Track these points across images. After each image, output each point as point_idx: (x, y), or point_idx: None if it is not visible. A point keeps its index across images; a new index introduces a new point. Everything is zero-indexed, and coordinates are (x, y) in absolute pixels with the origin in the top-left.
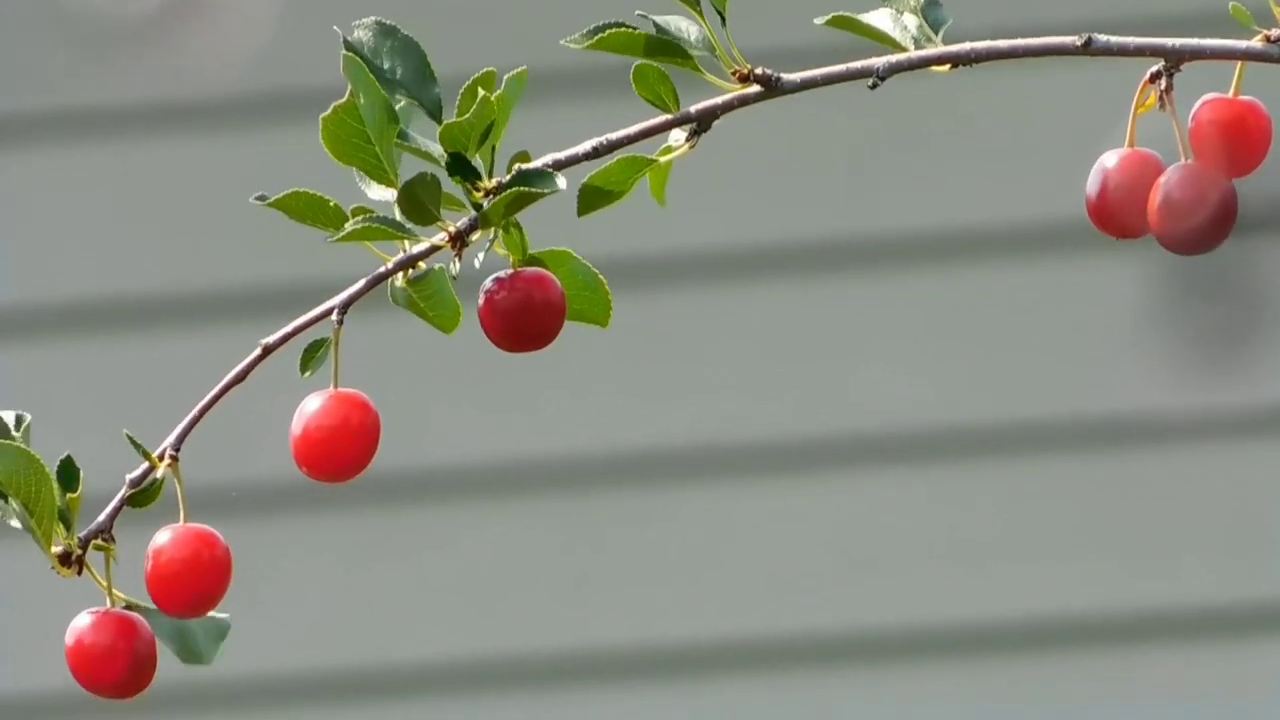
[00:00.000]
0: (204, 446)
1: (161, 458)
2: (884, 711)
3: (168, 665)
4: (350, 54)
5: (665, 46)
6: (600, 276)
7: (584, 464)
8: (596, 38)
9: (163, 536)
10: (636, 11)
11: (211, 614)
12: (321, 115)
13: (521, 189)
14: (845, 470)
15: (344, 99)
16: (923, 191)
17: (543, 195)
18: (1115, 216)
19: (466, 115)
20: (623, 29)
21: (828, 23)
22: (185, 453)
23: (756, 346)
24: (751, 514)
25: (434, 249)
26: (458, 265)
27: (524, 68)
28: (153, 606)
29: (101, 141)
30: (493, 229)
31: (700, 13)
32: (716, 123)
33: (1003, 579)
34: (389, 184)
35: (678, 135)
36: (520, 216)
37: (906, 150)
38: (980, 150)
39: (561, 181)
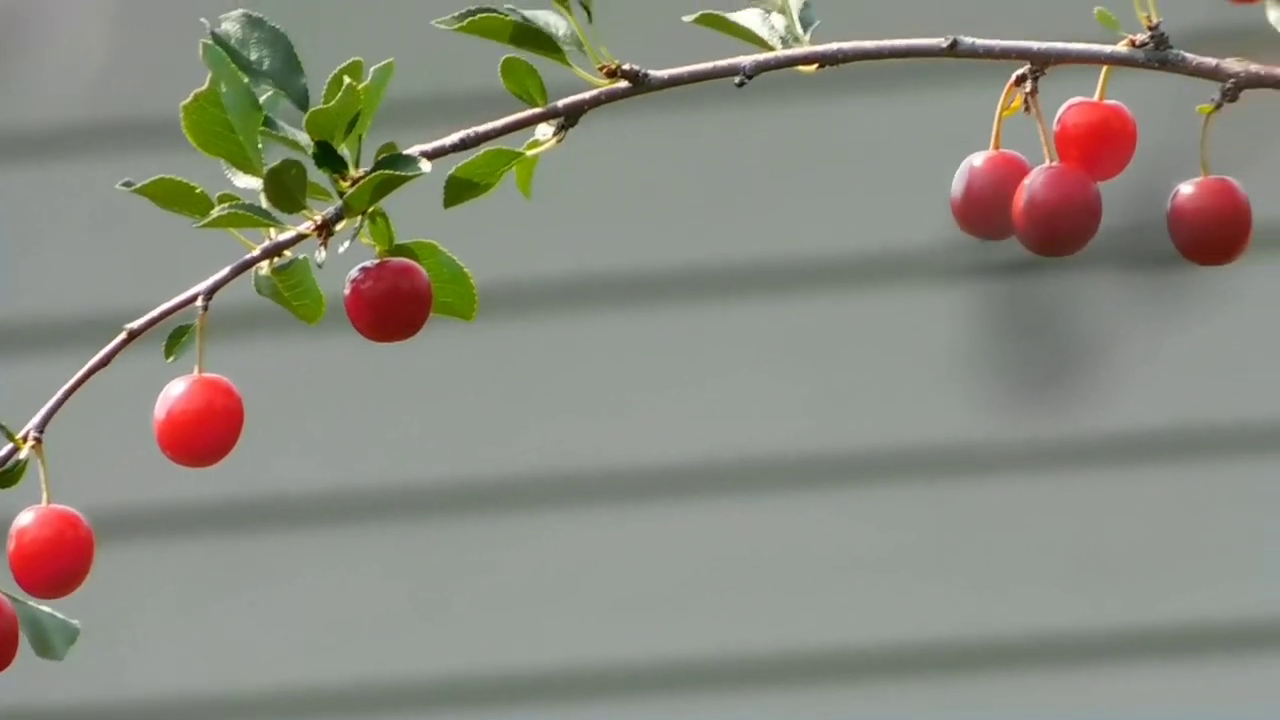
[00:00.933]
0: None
1: (25, 439)
2: None
3: None
4: (209, 43)
5: (533, 35)
6: (466, 270)
7: (435, 491)
8: (467, 21)
9: (25, 517)
10: (506, 5)
11: (64, 619)
12: (182, 103)
13: (386, 173)
14: (696, 496)
15: (204, 86)
16: (765, 219)
17: (407, 179)
18: (980, 217)
19: (332, 103)
20: (492, 14)
21: (696, 20)
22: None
23: (613, 372)
24: (605, 540)
25: (300, 237)
26: (323, 254)
27: (391, 59)
28: (13, 594)
29: None
30: (359, 218)
31: (569, 8)
32: (578, 146)
33: (849, 603)
34: (254, 172)
35: (545, 130)
36: (391, 216)
37: (756, 179)
38: (835, 177)
39: (425, 165)
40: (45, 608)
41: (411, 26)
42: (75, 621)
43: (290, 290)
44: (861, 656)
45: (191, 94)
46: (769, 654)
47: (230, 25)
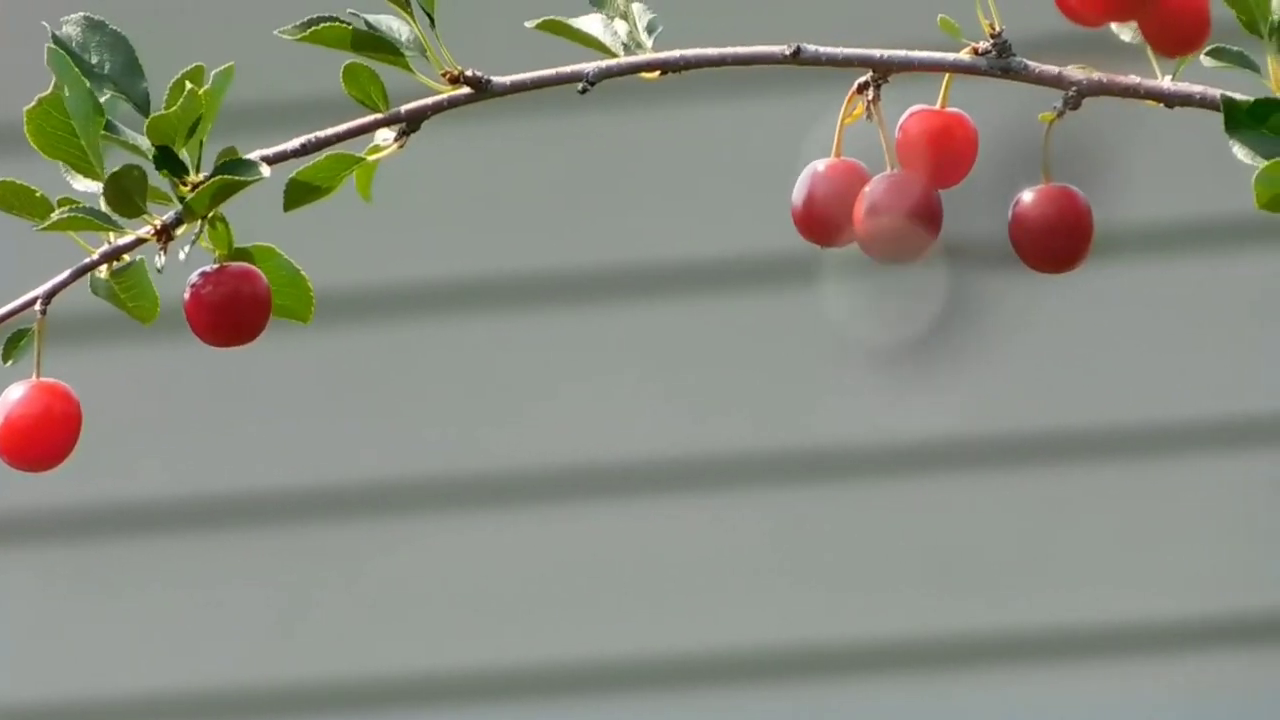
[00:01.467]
0: None
1: None
2: None
3: None
4: (54, 47)
5: (375, 42)
6: (303, 273)
7: (292, 499)
8: (309, 30)
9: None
10: (348, 10)
11: None
12: (25, 108)
13: (226, 178)
14: (571, 500)
15: (48, 91)
16: (634, 222)
17: (247, 183)
18: (820, 224)
19: (173, 108)
20: (335, 23)
21: (538, 26)
22: None
23: (483, 377)
24: (466, 545)
25: (139, 241)
26: (163, 259)
27: (231, 63)
28: None
29: None
30: (199, 223)
31: (411, 14)
32: (433, 148)
33: (714, 606)
34: (95, 177)
35: (386, 134)
36: (233, 221)
37: (611, 183)
38: (685, 181)
39: (265, 169)
40: None
41: (254, 30)
42: None
43: (126, 292)
44: (724, 660)
45: (35, 98)
46: (638, 657)
47: (71, 28)
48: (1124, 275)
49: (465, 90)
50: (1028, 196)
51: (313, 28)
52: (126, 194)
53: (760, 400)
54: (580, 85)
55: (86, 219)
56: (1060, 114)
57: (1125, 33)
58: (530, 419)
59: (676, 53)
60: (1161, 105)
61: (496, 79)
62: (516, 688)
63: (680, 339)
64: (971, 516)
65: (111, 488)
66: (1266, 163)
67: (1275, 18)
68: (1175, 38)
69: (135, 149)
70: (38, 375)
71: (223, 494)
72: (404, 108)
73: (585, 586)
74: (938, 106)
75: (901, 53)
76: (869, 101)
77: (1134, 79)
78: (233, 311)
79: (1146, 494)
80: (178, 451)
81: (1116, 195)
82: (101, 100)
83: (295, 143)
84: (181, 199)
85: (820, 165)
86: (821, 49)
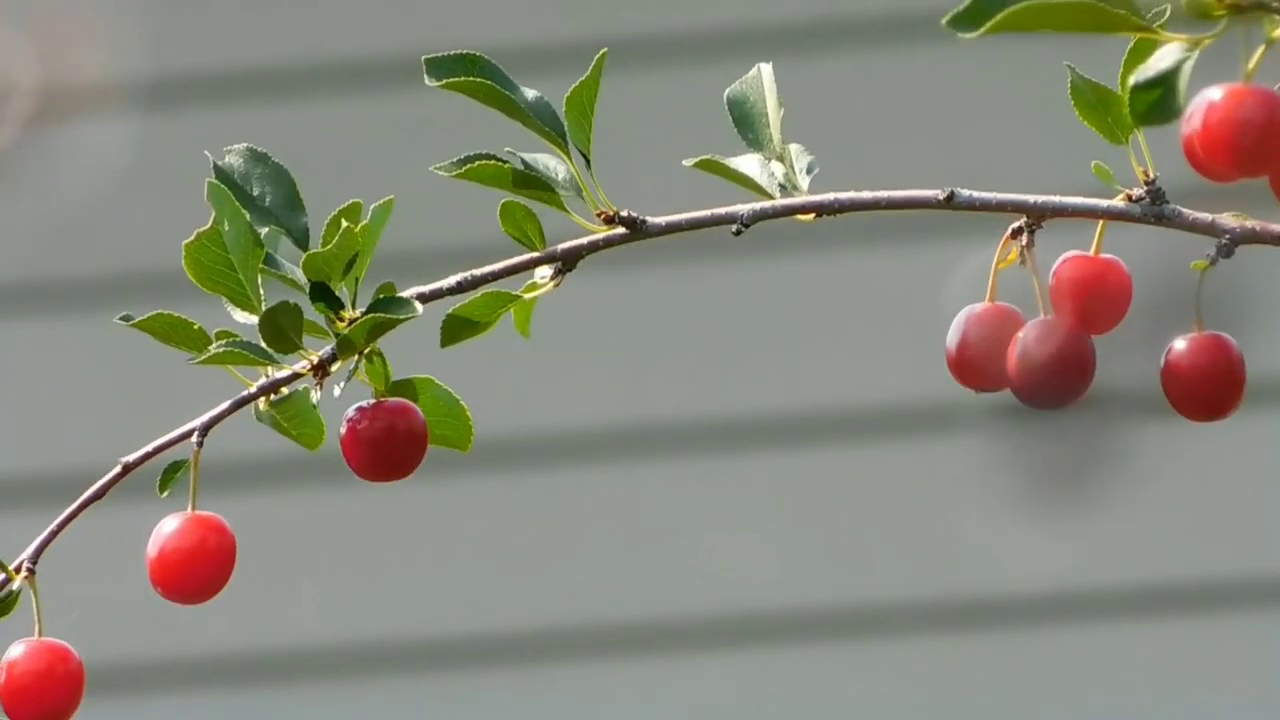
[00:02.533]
0: None
1: (18, 570)
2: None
3: None
4: (214, 181)
5: (531, 180)
6: (462, 402)
7: (444, 647)
8: (465, 168)
9: (16, 649)
10: (505, 148)
11: None
12: (184, 242)
13: (379, 315)
14: (703, 650)
15: (208, 225)
16: (787, 369)
17: (400, 321)
18: (974, 369)
19: (329, 246)
20: (491, 160)
21: (696, 165)
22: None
23: (634, 524)
24: (620, 692)
25: (296, 376)
26: (319, 393)
27: (390, 198)
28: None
29: None
30: (355, 358)
31: (567, 153)
32: (587, 287)
33: None
34: (253, 310)
35: (544, 272)
36: (392, 355)
37: (749, 332)
38: (827, 332)
39: (418, 307)
40: None
41: (414, 169)
42: None
43: (290, 420)
44: None
45: (195, 232)
46: None
47: (234, 159)
48: (1273, 423)
49: (620, 230)
50: (1180, 344)
51: (469, 165)
52: (282, 329)
53: (914, 546)
54: (735, 227)
55: (243, 353)
56: (1213, 262)
57: None
58: (674, 567)
59: (831, 195)
60: None
61: (651, 219)
62: None
63: (828, 487)
64: (1115, 666)
65: (263, 632)
66: None
67: None
68: None
69: (294, 283)
70: (193, 508)
71: (377, 640)
72: (560, 246)
73: None
74: (1092, 252)
75: (1055, 198)
76: (1023, 247)
77: None
78: (389, 446)
79: None
80: (332, 595)
81: (1268, 342)
82: (262, 233)
83: (451, 280)
84: (337, 334)
85: (975, 309)
86: (975, 194)
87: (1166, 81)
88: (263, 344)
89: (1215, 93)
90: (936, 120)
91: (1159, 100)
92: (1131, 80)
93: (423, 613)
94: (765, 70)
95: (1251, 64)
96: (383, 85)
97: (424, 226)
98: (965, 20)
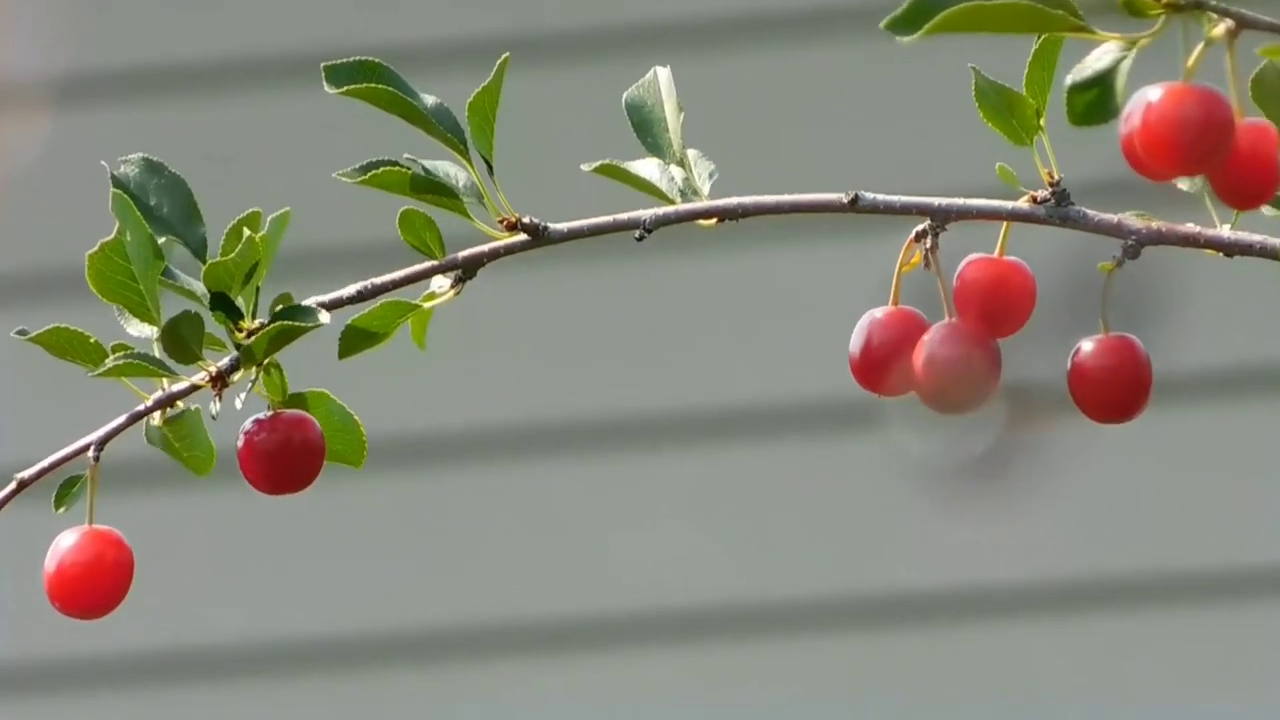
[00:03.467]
0: None
1: None
2: None
3: None
4: (118, 191)
5: (433, 186)
6: (356, 418)
7: (355, 644)
8: (368, 174)
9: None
10: (405, 155)
11: None
12: (88, 252)
13: (284, 323)
14: (612, 648)
15: (111, 236)
16: (685, 367)
17: (305, 329)
18: (878, 373)
19: (231, 255)
20: (394, 167)
21: (596, 170)
22: None
23: (537, 524)
24: (529, 689)
25: (194, 388)
26: (218, 405)
27: (288, 209)
28: None
29: None
30: (254, 370)
31: (469, 160)
32: (490, 290)
33: None
34: (152, 321)
35: (442, 281)
36: (286, 364)
37: (671, 328)
38: (740, 328)
39: (324, 316)
40: None
41: (310, 174)
42: None
43: (181, 441)
44: None
45: (98, 243)
46: None
47: (130, 169)
48: (1180, 421)
49: (522, 237)
50: (1087, 346)
51: (371, 172)
52: (183, 340)
53: (817, 545)
54: (637, 233)
55: (141, 365)
56: (1119, 263)
57: (1185, 182)
58: (583, 565)
59: (734, 200)
60: (1220, 254)
61: (554, 226)
62: None
63: (734, 485)
64: (1033, 663)
65: (167, 635)
66: None
67: None
68: (1245, 191)
69: (192, 295)
70: (90, 522)
71: (278, 640)
72: (461, 254)
73: None
74: (996, 254)
75: (959, 201)
76: (927, 250)
77: (1193, 228)
78: (286, 459)
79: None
80: (235, 598)
81: (1175, 342)
82: (159, 243)
83: (352, 289)
84: (238, 345)
85: (878, 313)
86: (879, 196)
87: (1104, 81)
88: (159, 355)
89: (1154, 91)
90: (838, 121)
91: (1096, 99)
92: (1069, 80)
93: (333, 611)
94: (663, 74)
95: (1190, 62)
96: (284, 84)
97: (316, 230)
98: (903, 23)
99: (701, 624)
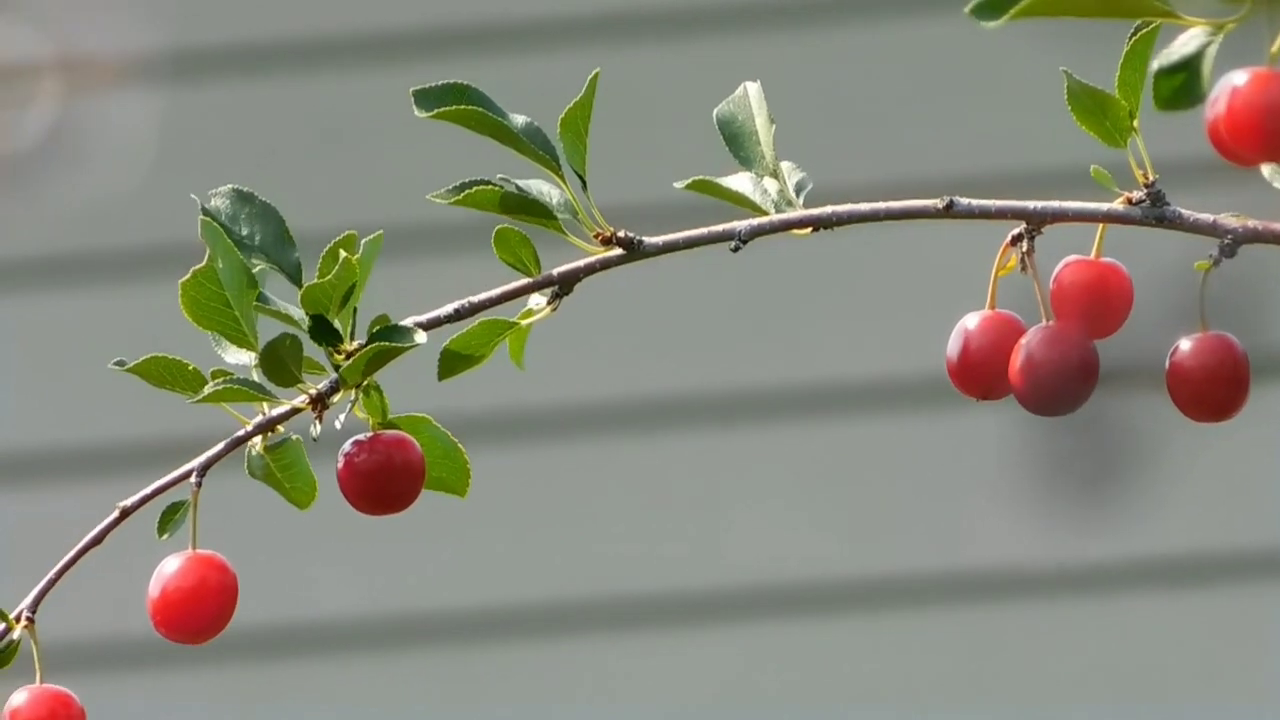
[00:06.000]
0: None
1: (18, 619)
2: None
3: None
4: (207, 219)
5: (526, 205)
6: (459, 445)
7: (468, 619)
8: (462, 194)
9: (19, 697)
10: (499, 175)
11: None
12: (180, 280)
13: (382, 344)
14: (724, 623)
15: (202, 264)
16: (791, 346)
17: (402, 350)
18: (976, 378)
19: (328, 277)
20: (487, 186)
21: (688, 186)
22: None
23: (636, 498)
24: (639, 665)
25: (294, 411)
26: (318, 427)
27: (380, 232)
28: None
29: None
30: (353, 391)
31: (562, 176)
32: (582, 282)
33: None
34: (249, 347)
35: (538, 299)
36: (383, 384)
37: (777, 305)
38: (846, 306)
39: (421, 336)
40: None
41: (398, 193)
42: None
43: (283, 471)
44: None
45: (190, 270)
46: None
47: (221, 200)
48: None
49: (617, 251)
50: (1184, 345)
51: (465, 192)
52: (282, 363)
53: (925, 520)
54: (732, 244)
55: (242, 390)
56: (1216, 262)
57: (1269, 168)
58: (694, 540)
59: (829, 209)
60: None
61: (649, 239)
62: None
63: (844, 460)
64: (1142, 638)
65: (279, 609)
66: None
67: None
68: None
69: (288, 319)
70: (194, 547)
71: (399, 613)
72: (557, 270)
73: (750, 712)
74: (1092, 256)
75: (1055, 204)
76: (1023, 253)
77: None
78: (386, 480)
79: None
80: (354, 570)
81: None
82: (254, 271)
83: (449, 308)
84: (336, 367)
85: (974, 318)
86: (974, 201)
87: (1190, 66)
88: (259, 380)
89: (1239, 77)
90: (935, 120)
91: (1183, 85)
92: (1154, 65)
93: (442, 584)
94: (752, 89)
95: (1276, 47)
96: (381, 64)
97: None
98: (988, 8)
99: (812, 598)
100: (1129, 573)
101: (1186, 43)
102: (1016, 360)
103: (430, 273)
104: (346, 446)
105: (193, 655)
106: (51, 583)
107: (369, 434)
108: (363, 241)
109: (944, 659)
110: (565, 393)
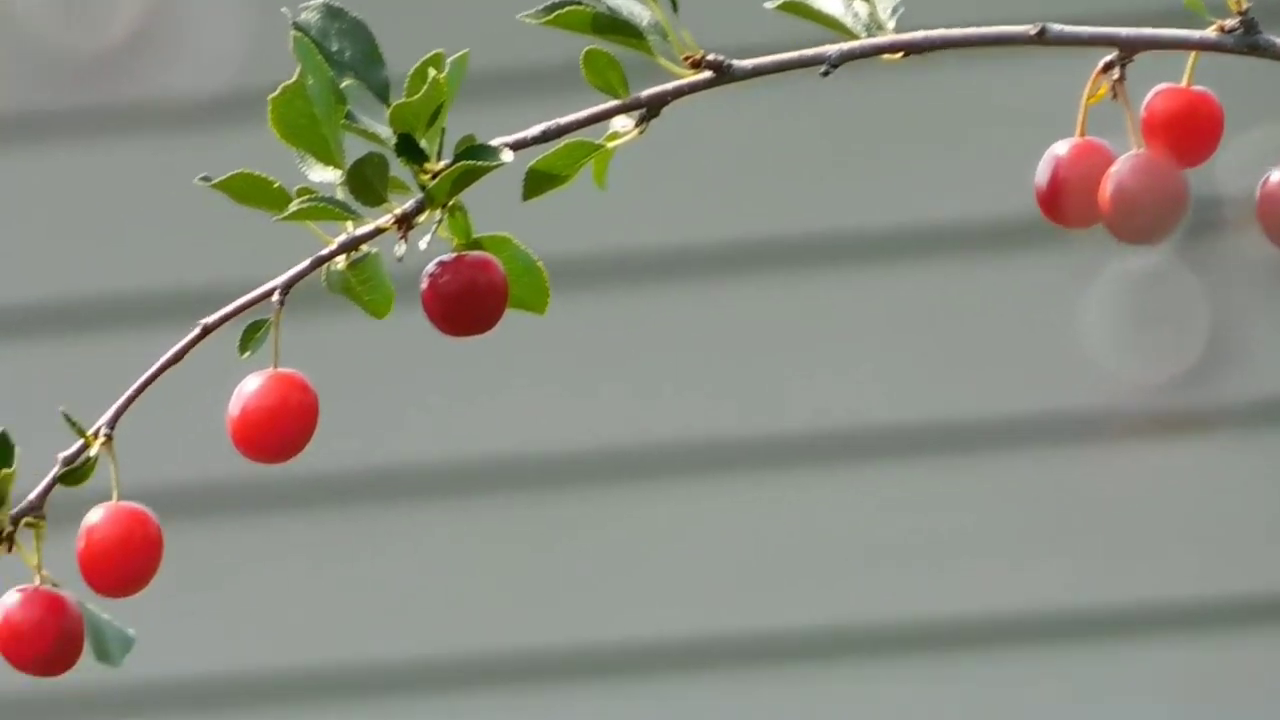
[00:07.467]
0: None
1: (96, 436)
2: (858, 709)
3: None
4: (299, 34)
5: (617, 25)
6: (538, 262)
7: (539, 463)
8: (553, 14)
9: (95, 515)
10: None
11: (121, 628)
12: (270, 96)
13: (468, 164)
14: (804, 469)
15: (292, 79)
16: (875, 188)
17: (489, 168)
18: (1065, 206)
19: (416, 96)
20: (577, 6)
21: (779, 7)
22: (132, 451)
23: (713, 345)
24: (713, 513)
25: (379, 231)
26: (403, 247)
27: (466, 50)
28: (79, 592)
29: (35, 143)
30: (438, 211)
31: None
32: (672, 121)
33: (965, 577)
34: (336, 165)
35: (625, 121)
36: (467, 207)
37: (860, 147)
38: (934, 146)
39: (508, 155)
40: (105, 615)
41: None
42: (131, 631)
43: (362, 285)
44: (998, 625)
45: (279, 86)
46: (901, 623)
47: (311, 15)
48: None
49: (706, 74)
50: (1276, 175)
51: (556, 12)
52: (369, 182)
53: (1011, 364)
54: (822, 68)
55: (328, 208)
56: None
57: None
58: (774, 385)
59: (920, 34)
60: None
61: (738, 63)
62: (749, 654)
63: (919, 304)
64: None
65: (367, 453)
66: None
67: None
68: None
69: (375, 138)
70: (275, 366)
71: (465, 461)
72: (645, 93)
73: (813, 556)
74: (1184, 84)
75: (1147, 31)
76: (1114, 81)
77: None
78: (470, 301)
79: None
80: (427, 418)
81: None
82: (342, 88)
83: (536, 130)
84: (423, 187)
85: (1064, 145)
86: (1066, 28)
87: None
88: (344, 199)
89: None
90: None
91: None
92: None
93: (508, 433)
94: None
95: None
96: None
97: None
98: None
99: (890, 444)
100: (1221, 417)
101: None
102: (1106, 188)
103: (515, 115)
104: (430, 267)
105: (278, 498)
106: (130, 399)
107: (453, 255)
108: (449, 60)
109: (1031, 504)
110: (638, 238)
